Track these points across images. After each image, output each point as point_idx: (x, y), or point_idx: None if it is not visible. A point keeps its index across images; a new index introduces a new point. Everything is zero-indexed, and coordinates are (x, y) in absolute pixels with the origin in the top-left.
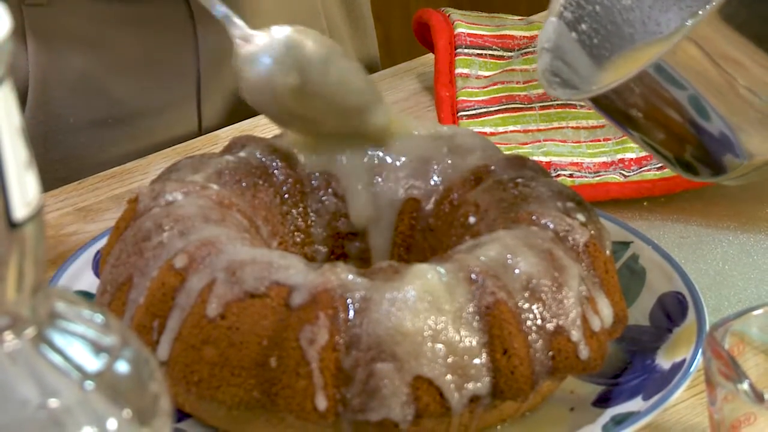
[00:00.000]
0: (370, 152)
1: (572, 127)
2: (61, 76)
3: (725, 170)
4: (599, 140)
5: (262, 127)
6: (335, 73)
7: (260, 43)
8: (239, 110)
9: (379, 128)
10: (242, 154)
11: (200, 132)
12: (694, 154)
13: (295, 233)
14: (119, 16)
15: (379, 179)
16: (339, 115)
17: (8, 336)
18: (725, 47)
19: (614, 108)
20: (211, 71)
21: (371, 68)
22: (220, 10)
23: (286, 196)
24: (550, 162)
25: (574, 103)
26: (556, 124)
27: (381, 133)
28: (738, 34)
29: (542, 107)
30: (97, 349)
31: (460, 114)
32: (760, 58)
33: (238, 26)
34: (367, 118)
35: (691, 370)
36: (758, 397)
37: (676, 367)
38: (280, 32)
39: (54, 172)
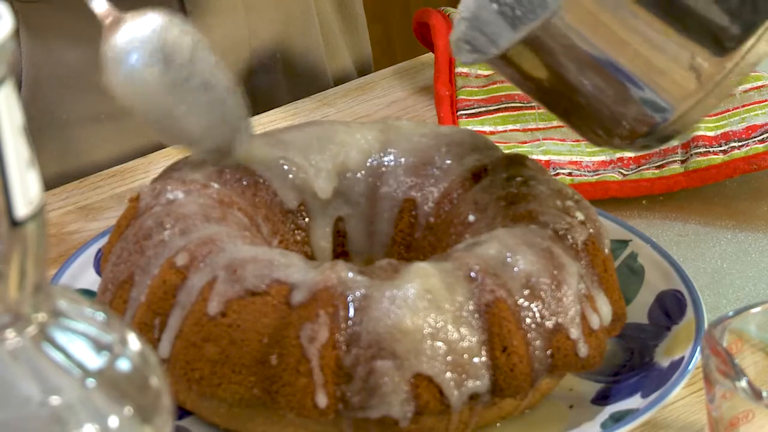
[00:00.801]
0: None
1: None
2: (53, 72)
3: (647, 129)
4: None
5: (264, 125)
6: (202, 65)
7: (128, 28)
8: None
9: (242, 144)
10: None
11: None
12: (607, 116)
13: (296, 231)
14: None
15: (379, 179)
16: (203, 116)
17: (10, 334)
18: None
19: (522, 73)
20: None
21: (364, 67)
22: None
23: (289, 190)
24: (549, 161)
25: None
26: (555, 123)
27: (242, 152)
28: None
29: None
30: (99, 346)
31: (459, 113)
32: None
33: (105, 7)
34: (232, 130)
35: (690, 367)
36: (756, 394)
37: (675, 365)
38: (150, 19)
39: (46, 167)
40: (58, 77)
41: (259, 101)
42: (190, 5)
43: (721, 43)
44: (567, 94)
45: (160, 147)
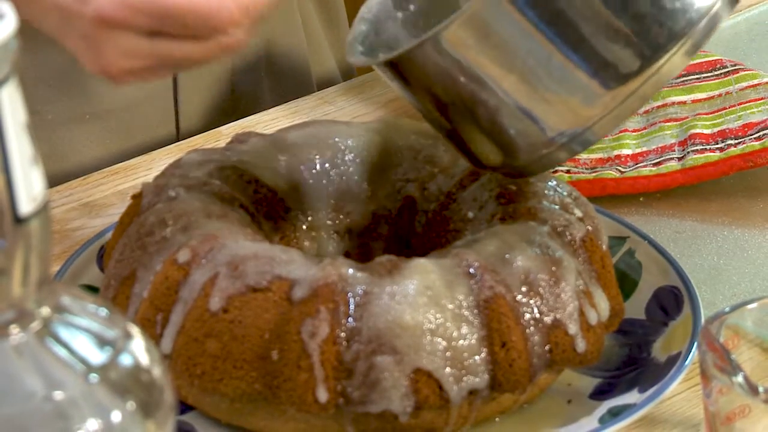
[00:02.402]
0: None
1: None
2: (38, 72)
3: (521, 151)
4: None
5: (264, 123)
6: None
7: None
8: (218, 107)
9: None
10: (245, 148)
11: (177, 128)
12: (486, 134)
13: (297, 228)
14: None
15: (379, 177)
16: None
17: (14, 329)
18: (505, 26)
19: (411, 82)
20: None
21: (347, 66)
22: None
23: (290, 188)
24: None
25: None
26: None
27: None
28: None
29: None
30: (102, 342)
31: None
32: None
33: None
34: None
35: (687, 363)
36: (753, 389)
37: (672, 360)
38: None
39: None
40: (43, 78)
41: (243, 102)
42: None
43: (621, 69)
44: (461, 109)
45: (146, 148)
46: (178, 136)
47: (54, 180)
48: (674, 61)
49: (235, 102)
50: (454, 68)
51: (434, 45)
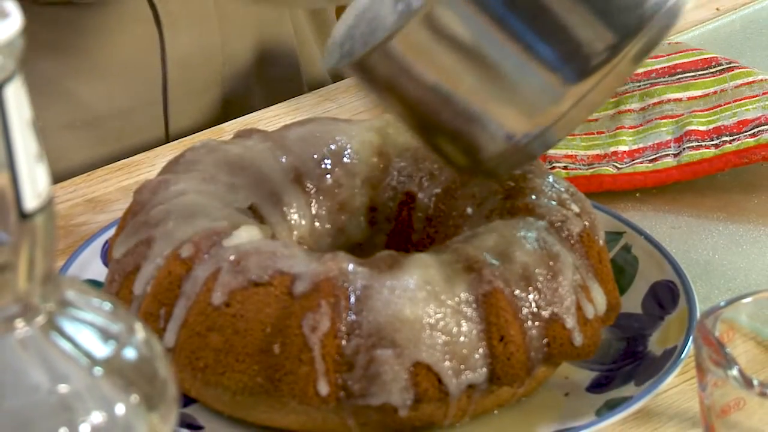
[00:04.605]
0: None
1: None
2: (27, 79)
3: (485, 153)
4: (593, 133)
5: (267, 120)
6: None
7: None
8: (208, 113)
9: None
10: (248, 143)
11: (167, 135)
12: (451, 137)
13: (299, 223)
14: (82, 20)
15: (379, 174)
16: None
17: (20, 323)
18: (459, 27)
19: (375, 87)
20: (178, 73)
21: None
22: None
23: (291, 185)
24: (545, 154)
25: None
26: None
27: None
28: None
29: None
30: (106, 336)
31: None
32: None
33: None
34: None
35: (683, 356)
36: (747, 382)
37: (668, 354)
38: None
39: None
40: (32, 85)
41: (233, 108)
42: (163, 16)
43: (578, 68)
44: (424, 113)
45: (135, 152)
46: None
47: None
48: (632, 55)
49: (226, 108)
50: (409, 73)
51: (385, 51)
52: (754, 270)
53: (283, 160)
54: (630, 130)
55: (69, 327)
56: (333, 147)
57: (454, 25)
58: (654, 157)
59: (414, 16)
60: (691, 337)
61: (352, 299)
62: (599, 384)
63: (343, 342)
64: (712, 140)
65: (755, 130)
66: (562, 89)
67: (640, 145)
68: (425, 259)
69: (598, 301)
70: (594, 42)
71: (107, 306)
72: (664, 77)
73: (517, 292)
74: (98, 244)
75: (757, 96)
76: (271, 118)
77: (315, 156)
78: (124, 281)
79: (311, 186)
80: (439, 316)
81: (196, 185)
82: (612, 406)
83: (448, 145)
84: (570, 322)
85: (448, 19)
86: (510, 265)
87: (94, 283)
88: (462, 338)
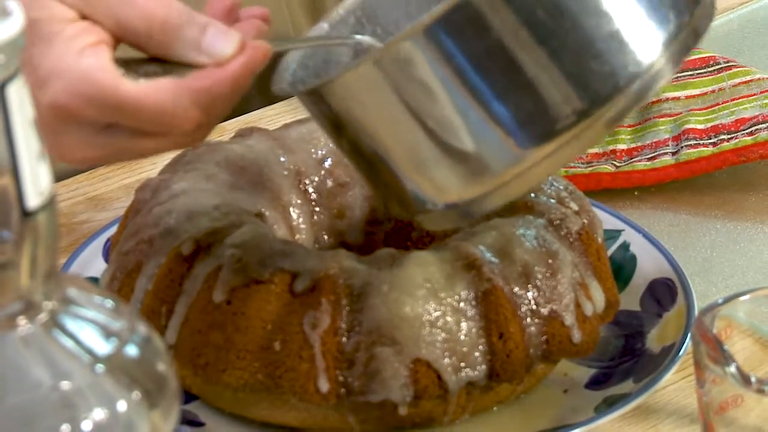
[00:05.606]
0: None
1: None
2: None
3: (414, 209)
4: None
5: (268, 119)
6: None
7: None
8: None
9: None
10: (249, 142)
11: None
12: (388, 185)
13: (299, 221)
14: None
15: None
16: None
17: (22, 321)
18: (416, 73)
19: (321, 116)
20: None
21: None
22: None
23: (291, 184)
24: None
25: None
26: None
27: None
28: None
29: None
30: (108, 333)
31: None
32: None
33: None
34: None
35: (681, 353)
36: (745, 379)
37: (666, 351)
38: None
39: None
40: None
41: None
42: None
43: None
44: (361, 157)
45: None
46: None
47: None
48: (596, 128)
49: None
50: (353, 114)
51: (335, 87)
52: (752, 267)
53: (284, 159)
54: (628, 129)
55: (71, 324)
56: (333, 146)
57: (412, 71)
58: (652, 155)
59: (369, 57)
60: (689, 335)
61: (353, 297)
62: (598, 381)
63: (344, 339)
64: (710, 139)
65: (753, 128)
66: (517, 152)
67: (639, 144)
68: (425, 257)
69: (597, 298)
70: (561, 105)
71: (109, 303)
72: None
73: (516, 289)
74: (100, 242)
75: (754, 95)
76: (272, 116)
77: (316, 154)
78: (125, 279)
79: (312, 185)
80: (438, 313)
81: (197, 184)
82: (610, 403)
83: (385, 191)
84: (569, 319)
85: (405, 65)
86: (509, 262)
87: (96, 281)
88: (461, 335)
